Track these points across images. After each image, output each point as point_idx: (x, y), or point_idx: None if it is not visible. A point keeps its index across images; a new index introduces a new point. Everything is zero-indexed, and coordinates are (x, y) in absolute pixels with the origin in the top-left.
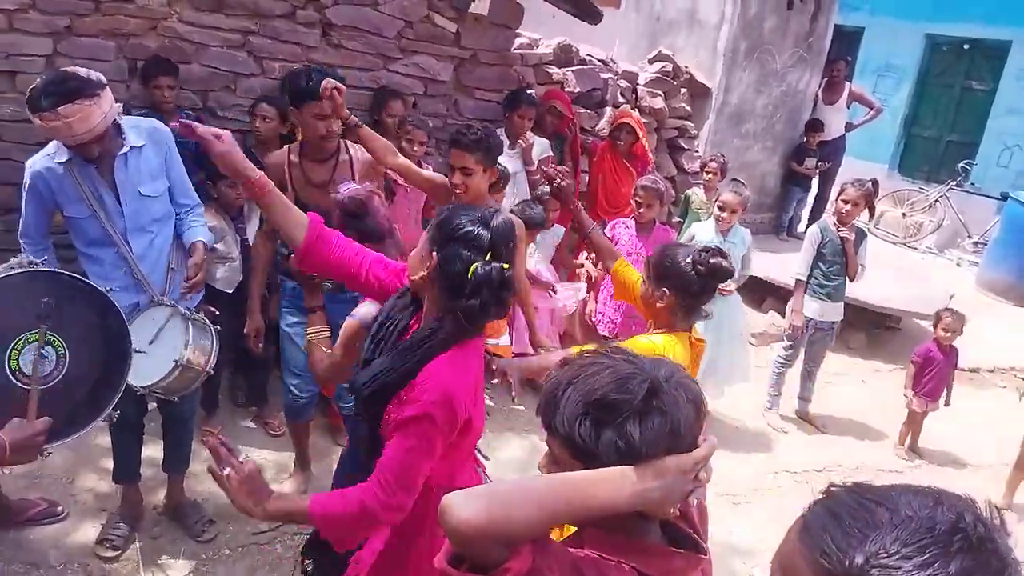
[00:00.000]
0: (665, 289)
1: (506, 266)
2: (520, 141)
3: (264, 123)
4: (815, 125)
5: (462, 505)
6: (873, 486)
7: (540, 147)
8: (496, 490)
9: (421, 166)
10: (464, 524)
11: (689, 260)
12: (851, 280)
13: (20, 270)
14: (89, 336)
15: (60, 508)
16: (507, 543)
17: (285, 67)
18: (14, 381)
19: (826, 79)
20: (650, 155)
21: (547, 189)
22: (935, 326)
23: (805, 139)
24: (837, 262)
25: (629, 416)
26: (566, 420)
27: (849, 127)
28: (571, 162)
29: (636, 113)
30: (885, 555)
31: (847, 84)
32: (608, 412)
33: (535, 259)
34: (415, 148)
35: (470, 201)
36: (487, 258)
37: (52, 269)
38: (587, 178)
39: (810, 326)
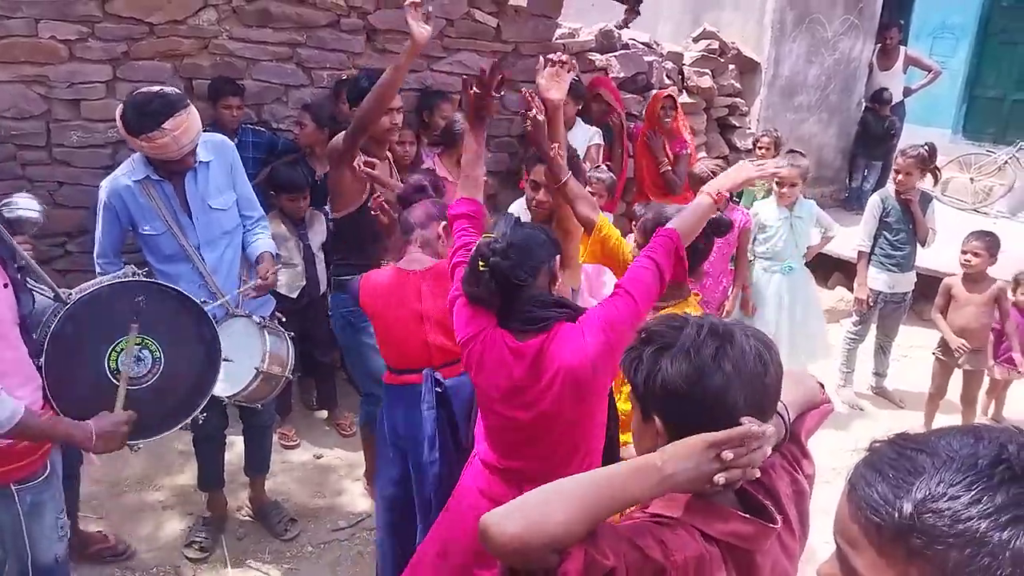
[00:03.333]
0: None
1: None
2: None
3: (301, 129)
4: (880, 96)
5: (500, 522)
6: (912, 434)
7: (588, 134)
8: (529, 500)
9: (412, 164)
10: (508, 539)
11: None
12: (923, 245)
13: (124, 279)
14: (183, 343)
15: (122, 548)
16: (554, 548)
17: (333, 75)
18: (111, 379)
19: (879, 45)
20: (684, 134)
21: (598, 175)
22: (1014, 291)
23: (872, 107)
24: (903, 230)
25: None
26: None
27: (907, 92)
28: (619, 150)
29: (685, 95)
30: (932, 499)
31: (902, 49)
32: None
33: None
34: (406, 148)
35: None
36: None
37: (154, 280)
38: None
39: (881, 299)
